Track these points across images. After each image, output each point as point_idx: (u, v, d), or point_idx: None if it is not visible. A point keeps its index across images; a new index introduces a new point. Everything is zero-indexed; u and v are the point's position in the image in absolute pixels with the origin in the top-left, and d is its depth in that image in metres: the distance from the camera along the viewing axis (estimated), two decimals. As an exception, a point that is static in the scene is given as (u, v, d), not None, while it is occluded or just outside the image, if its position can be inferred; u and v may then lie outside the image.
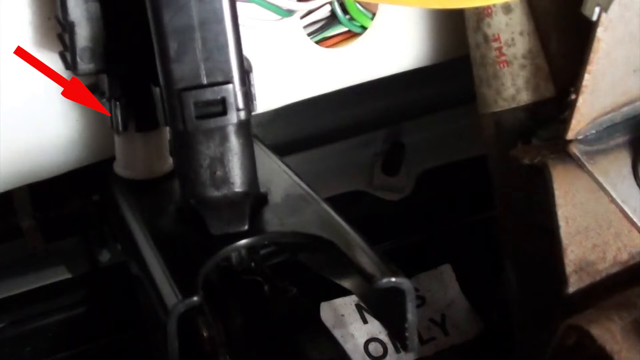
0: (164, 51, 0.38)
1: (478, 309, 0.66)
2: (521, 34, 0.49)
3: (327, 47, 0.53)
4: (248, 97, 0.39)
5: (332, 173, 0.71)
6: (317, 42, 0.53)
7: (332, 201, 0.66)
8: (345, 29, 0.53)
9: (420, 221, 0.71)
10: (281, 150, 0.65)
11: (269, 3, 0.45)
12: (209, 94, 0.39)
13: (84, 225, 0.55)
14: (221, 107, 0.39)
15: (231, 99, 0.39)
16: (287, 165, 0.48)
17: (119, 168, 0.46)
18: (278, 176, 0.46)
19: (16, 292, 0.59)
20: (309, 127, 0.69)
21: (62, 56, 0.43)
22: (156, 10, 0.37)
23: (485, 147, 0.53)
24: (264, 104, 0.51)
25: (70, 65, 0.42)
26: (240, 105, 0.39)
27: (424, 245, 0.70)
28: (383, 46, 0.54)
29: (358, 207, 0.72)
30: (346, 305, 0.63)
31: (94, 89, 0.45)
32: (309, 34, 0.52)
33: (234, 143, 0.40)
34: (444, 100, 0.72)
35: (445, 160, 0.75)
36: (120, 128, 0.43)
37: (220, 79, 0.39)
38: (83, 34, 0.42)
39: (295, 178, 0.46)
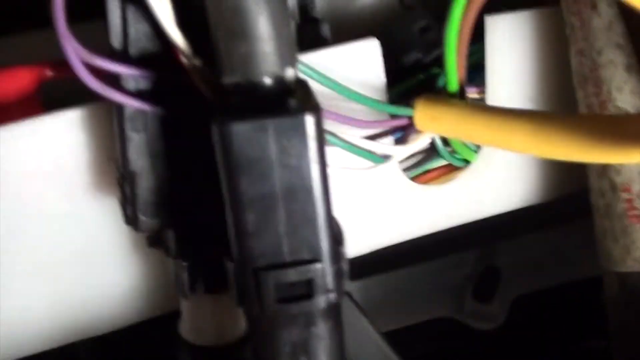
0: (240, 223, 0.31)
1: None
2: (659, 186, 0.41)
3: (425, 182, 0.46)
4: (340, 275, 0.33)
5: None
6: (414, 177, 0.46)
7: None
8: (446, 162, 0.46)
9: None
10: (361, 271, 0.59)
11: (361, 149, 0.39)
12: (293, 275, 0.32)
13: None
14: (307, 289, 0.32)
15: (319, 281, 0.32)
16: (380, 335, 0.41)
17: (185, 331, 0.40)
18: (367, 349, 0.40)
19: None
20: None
21: (122, 207, 0.37)
22: (231, 177, 0.30)
23: (606, 308, 0.46)
24: (354, 249, 0.45)
25: (131, 219, 0.36)
26: (330, 286, 0.32)
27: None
28: (487, 182, 0.47)
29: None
30: None
31: (157, 241, 0.38)
32: (404, 169, 0.45)
33: (322, 328, 0.33)
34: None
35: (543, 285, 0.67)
36: (188, 292, 0.37)
37: (306, 256, 0.32)
38: (145, 186, 0.35)
39: (387, 350, 0.39)
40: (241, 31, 0.31)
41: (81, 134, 0.38)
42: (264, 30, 0.31)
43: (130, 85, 0.35)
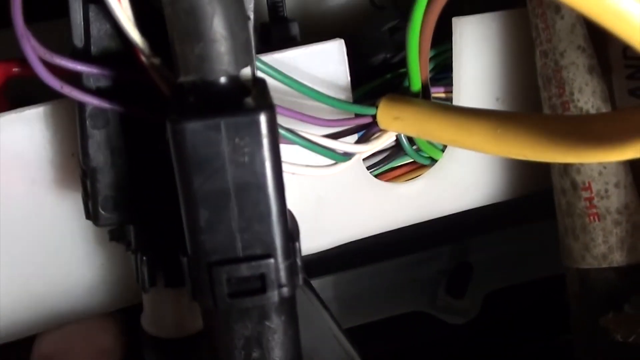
0: (193, 219, 0.32)
1: None
2: (617, 185, 0.42)
3: (390, 179, 0.47)
4: (292, 270, 0.33)
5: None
6: (378, 175, 0.46)
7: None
8: (411, 160, 0.47)
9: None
10: (336, 264, 0.59)
11: (321, 147, 0.39)
12: (245, 270, 0.32)
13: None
14: (260, 283, 0.32)
15: (272, 275, 0.32)
16: (337, 324, 0.42)
17: (146, 324, 0.40)
18: (326, 344, 0.40)
19: None
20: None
21: (84, 202, 0.37)
22: (185, 174, 0.31)
23: (570, 303, 0.46)
24: (319, 243, 0.45)
25: (91, 214, 0.36)
26: (283, 281, 0.33)
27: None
28: (453, 181, 0.48)
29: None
30: None
31: (118, 236, 0.39)
32: (369, 167, 0.46)
33: (275, 322, 0.34)
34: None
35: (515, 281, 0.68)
36: (148, 285, 0.37)
37: (259, 251, 0.32)
38: (105, 181, 0.36)
39: (347, 346, 0.39)
40: (196, 32, 0.31)
41: (44, 130, 0.39)
42: (218, 31, 0.32)
43: (91, 83, 0.36)
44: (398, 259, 0.65)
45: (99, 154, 0.36)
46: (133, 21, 0.34)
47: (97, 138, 0.36)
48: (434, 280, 0.67)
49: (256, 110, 0.31)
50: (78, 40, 0.35)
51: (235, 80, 0.32)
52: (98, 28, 0.35)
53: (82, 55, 0.35)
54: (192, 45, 0.31)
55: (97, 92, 0.35)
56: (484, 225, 0.65)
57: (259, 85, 0.34)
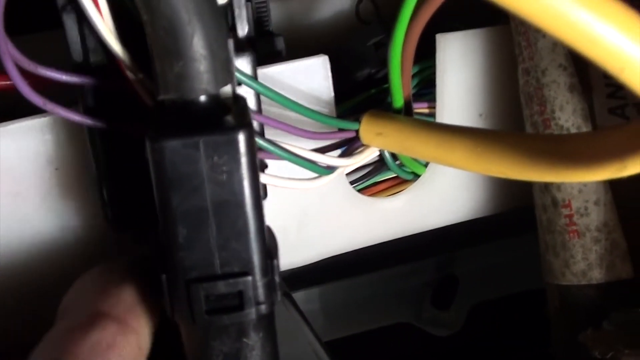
0: (172, 236, 0.32)
1: None
2: (596, 203, 0.42)
3: (373, 194, 0.47)
4: (271, 287, 0.33)
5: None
6: (361, 190, 0.46)
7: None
8: (394, 175, 0.47)
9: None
10: (321, 276, 0.59)
11: (303, 159, 0.39)
12: (223, 287, 0.32)
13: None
14: (237, 301, 0.33)
15: (250, 293, 0.33)
16: (318, 338, 0.42)
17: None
18: (305, 359, 0.40)
19: None
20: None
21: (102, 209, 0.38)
22: (163, 191, 0.31)
23: (550, 319, 0.46)
24: (302, 257, 0.46)
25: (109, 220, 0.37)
26: (261, 298, 0.33)
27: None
28: (435, 196, 0.48)
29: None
30: None
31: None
32: (352, 182, 0.46)
33: (253, 339, 0.34)
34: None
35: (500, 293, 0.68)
36: None
37: (237, 269, 0.33)
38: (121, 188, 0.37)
39: (327, 361, 0.40)
40: (175, 51, 0.31)
41: (30, 144, 0.39)
42: (198, 50, 0.32)
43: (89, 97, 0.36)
44: (383, 271, 0.66)
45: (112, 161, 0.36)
46: (115, 34, 0.34)
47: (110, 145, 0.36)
48: (419, 292, 0.67)
49: (235, 129, 0.31)
50: (77, 55, 0.36)
51: (214, 98, 0.32)
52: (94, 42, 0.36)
53: (82, 69, 0.36)
54: (171, 64, 0.31)
55: (86, 106, 0.36)
56: (470, 238, 0.65)
57: (239, 103, 0.34)
